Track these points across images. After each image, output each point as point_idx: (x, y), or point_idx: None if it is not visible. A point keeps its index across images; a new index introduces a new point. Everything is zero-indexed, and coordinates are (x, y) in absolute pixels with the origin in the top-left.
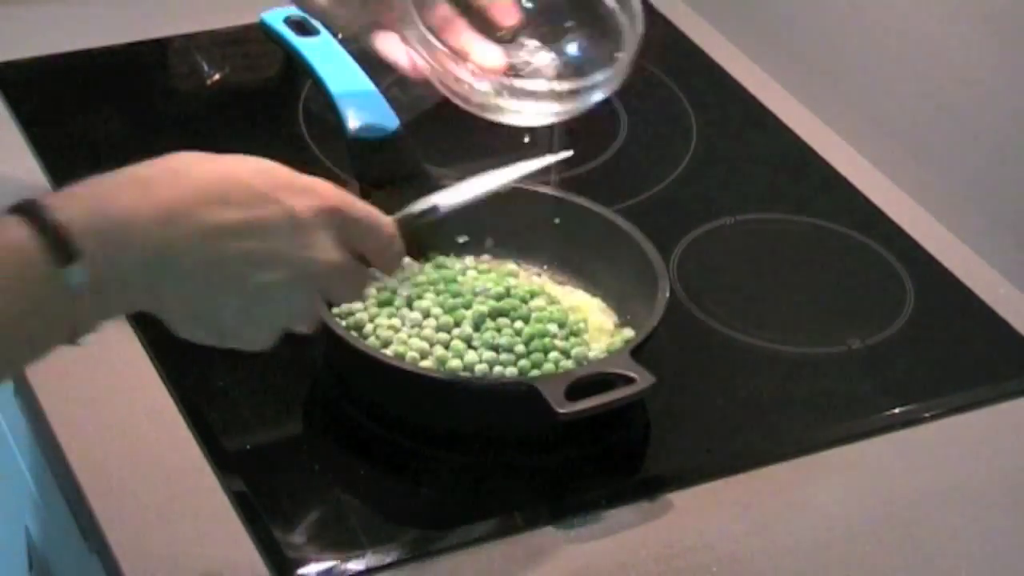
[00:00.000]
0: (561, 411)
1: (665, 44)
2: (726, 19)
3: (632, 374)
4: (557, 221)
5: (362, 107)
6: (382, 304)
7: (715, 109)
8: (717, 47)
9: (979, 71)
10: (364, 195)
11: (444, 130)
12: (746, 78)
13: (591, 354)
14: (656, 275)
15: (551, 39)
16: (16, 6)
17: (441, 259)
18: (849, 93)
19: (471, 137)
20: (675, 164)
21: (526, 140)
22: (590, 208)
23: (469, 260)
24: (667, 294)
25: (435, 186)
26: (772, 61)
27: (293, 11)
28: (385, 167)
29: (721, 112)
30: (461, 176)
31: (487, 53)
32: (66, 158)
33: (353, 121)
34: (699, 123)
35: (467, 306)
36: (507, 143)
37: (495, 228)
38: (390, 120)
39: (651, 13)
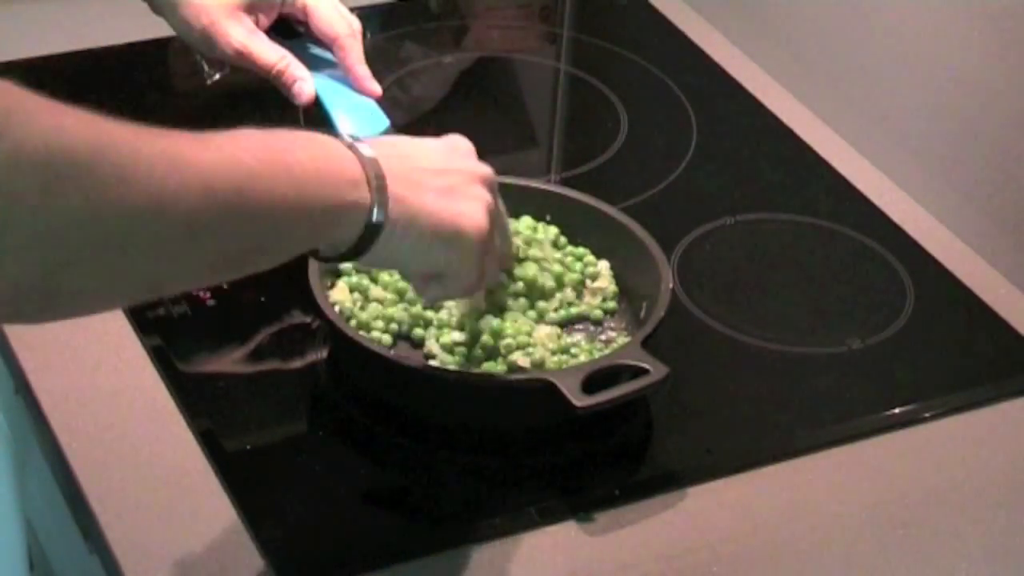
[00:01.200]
0: (579, 404)
1: (665, 44)
2: (726, 19)
3: (645, 365)
4: (548, 217)
5: (351, 109)
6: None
7: (715, 109)
8: (717, 47)
9: (979, 71)
10: None
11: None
12: (746, 78)
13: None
14: (659, 267)
15: None
16: (16, 6)
17: None
18: (849, 93)
19: (470, 137)
20: (675, 164)
21: None
22: (589, 204)
23: None
24: (671, 284)
25: None
26: (772, 61)
27: None
28: None
29: (721, 112)
30: None
31: None
32: None
33: (343, 123)
34: (699, 123)
35: None
36: (505, 144)
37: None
38: (380, 122)
39: (651, 13)
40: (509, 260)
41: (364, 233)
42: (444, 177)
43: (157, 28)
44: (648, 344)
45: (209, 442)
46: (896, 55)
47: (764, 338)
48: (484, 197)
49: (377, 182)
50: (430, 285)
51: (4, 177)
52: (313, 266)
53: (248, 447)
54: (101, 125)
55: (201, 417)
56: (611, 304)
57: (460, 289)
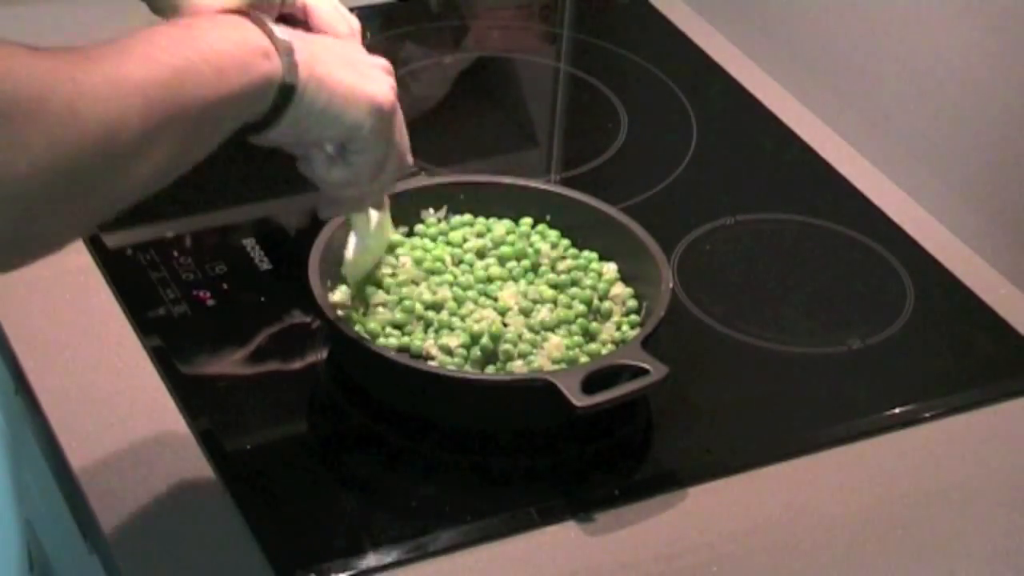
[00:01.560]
0: (579, 404)
1: (665, 44)
2: (726, 19)
3: (645, 365)
4: (549, 218)
5: None
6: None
7: (715, 109)
8: (717, 47)
9: (979, 71)
10: None
11: (443, 130)
12: (746, 78)
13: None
14: (659, 266)
15: None
16: (16, 6)
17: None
18: (849, 93)
19: (470, 137)
20: (675, 164)
21: None
22: (589, 204)
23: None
24: (671, 284)
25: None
26: (772, 61)
27: None
28: None
29: (721, 112)
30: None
31: None
32: None
33: None
34: (699, 123)
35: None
36: (505, 144)
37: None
38: None
39: (651, 13)
40: (406, 157)
41: (277, 98)
42: (347, 55)
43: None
44: (648, 344)
45: (209, 442)
46: (896, 55)
47: (764, 338)
48: (388, 79)
49: (285, 48)
50: (335, 166)
51: None
52: (313, 266)
53: (248, 447)
54: (44, 61)
55: (201, 417)
56: (635, 318)
57: (366, 167)
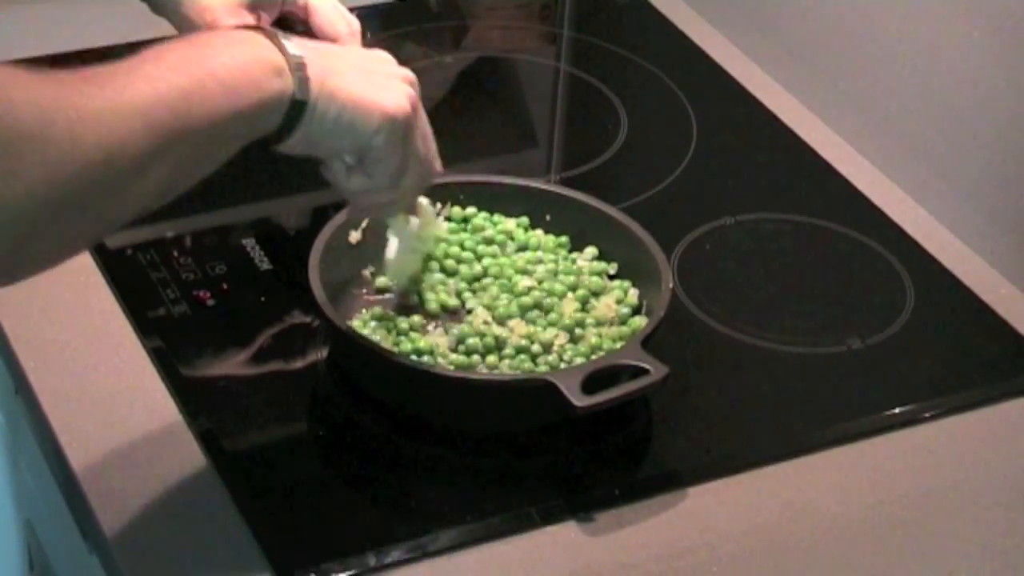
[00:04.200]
0: (579, 404)
1: (665, 44)
2: (726, 19)
3: (645, 365)
4: (548, 218)
5: None
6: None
7: (715, 109)
8: (717, 47)
9: (979, 71)
10: None
11: (443, 130)
12: (746, 78)
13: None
14: (659, 266)
15: None
16: (16, 6)
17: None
18: (849, 93)
19: (470, 137)
20: (675, 164)
21: None
22: (589, 204)
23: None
24: (671, 284)
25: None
26: (772, 61)
27: None
28: None
29: (721, 112)
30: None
31: None
32: None
33: None
34: (699, 123)
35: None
36: (505, 144)
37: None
38: None
39: (651, 13)
40: (435, 162)
41: (289, 114)
42: (365, 66)
43: (158, 28)
44: (648, 344)
45: (209, 442)
46: (896, 55)
47: (764, 338)
48: (405, 88)
49: (297, 64)
50: (353, 174)
51: None
52: (313, 266)
53: (248, 447)
54: (47, 89)
55: (201, 417)
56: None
57: (383, 176)
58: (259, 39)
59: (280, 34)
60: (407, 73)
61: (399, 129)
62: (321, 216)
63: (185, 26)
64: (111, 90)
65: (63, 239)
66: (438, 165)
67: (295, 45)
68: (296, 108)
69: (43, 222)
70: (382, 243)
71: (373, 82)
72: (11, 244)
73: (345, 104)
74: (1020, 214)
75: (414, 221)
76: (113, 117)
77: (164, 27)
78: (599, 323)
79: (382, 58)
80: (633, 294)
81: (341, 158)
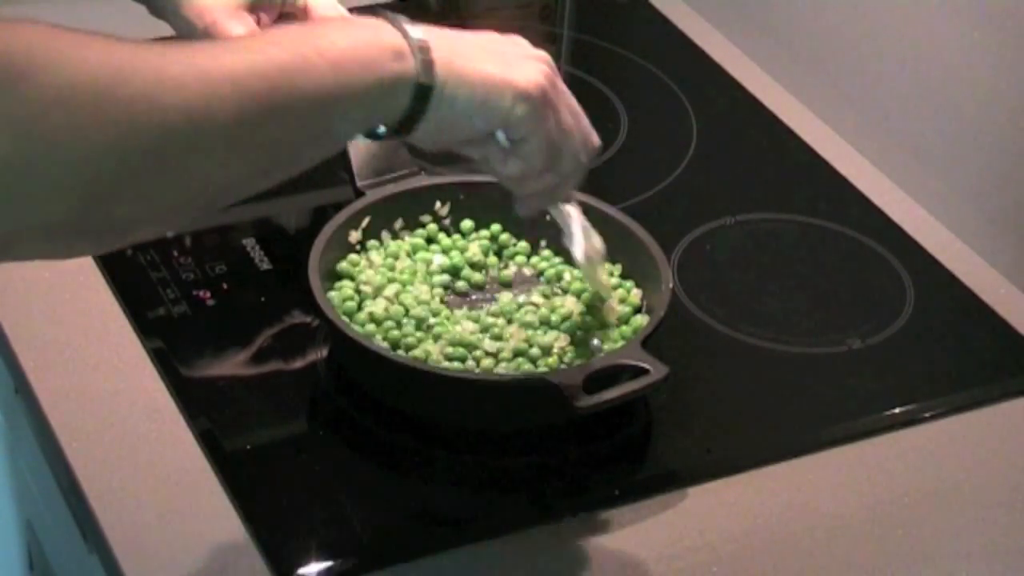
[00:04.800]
0: (579, 404)
1: (665, 44)
2: (726, 19)
3: (645, 365)
4: (548, 218)
5: None
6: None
7: (715, 109)
8: (717, 47)
9: (979, 71)
10: (358, 194)
11: None
12: (746, 78)
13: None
14: (659, 266)
15: None
16: (16, 6)
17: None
18: (849, 93)
19: None
20: (675, 164)
21: None
22: (589, 204)
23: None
24: (671, 284)
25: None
26: (772, 61)
27: None
28: (376, 165)
29: (721, 112)
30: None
31: None
32: None
33: None
34: (699, 123)
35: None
36: None
37: (503, 220)
38: None
39: (651, 13)
40: (590, 136)
41: (414, 99)
42: (495, 48)
43: (157, 30)
44: (648, 344)
45: (209, 442)
46: (896, 55)
47: (764, 338)
48: (539, 66)
49: (420, 46)
50: (509, 159)
51: (31, 119)
52: (313, 266)
53: (248, 447)
54: (124, 51)
55: (201, 417)
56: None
57: (535, 156)
58: (379, 23)
59: (404, 19)
60: (541, 53)
61: (536, 104)
62: (321, 216)
63: (184, 28)
64: (202, 57)
65: (146, 204)
66: (595, 138)
67: (420, 29)
68: (422, 93)
69: (119, 182)
70: None
71: (505, 61)
72: (87, 202)
73: (475, 84)
74: (1020, 214)
75: (574, 215)
76: (199, 83)
77: (163, 29)
78: (604, 325)
79: (514, 40)
80: (636, 294)
81: (495, 144)
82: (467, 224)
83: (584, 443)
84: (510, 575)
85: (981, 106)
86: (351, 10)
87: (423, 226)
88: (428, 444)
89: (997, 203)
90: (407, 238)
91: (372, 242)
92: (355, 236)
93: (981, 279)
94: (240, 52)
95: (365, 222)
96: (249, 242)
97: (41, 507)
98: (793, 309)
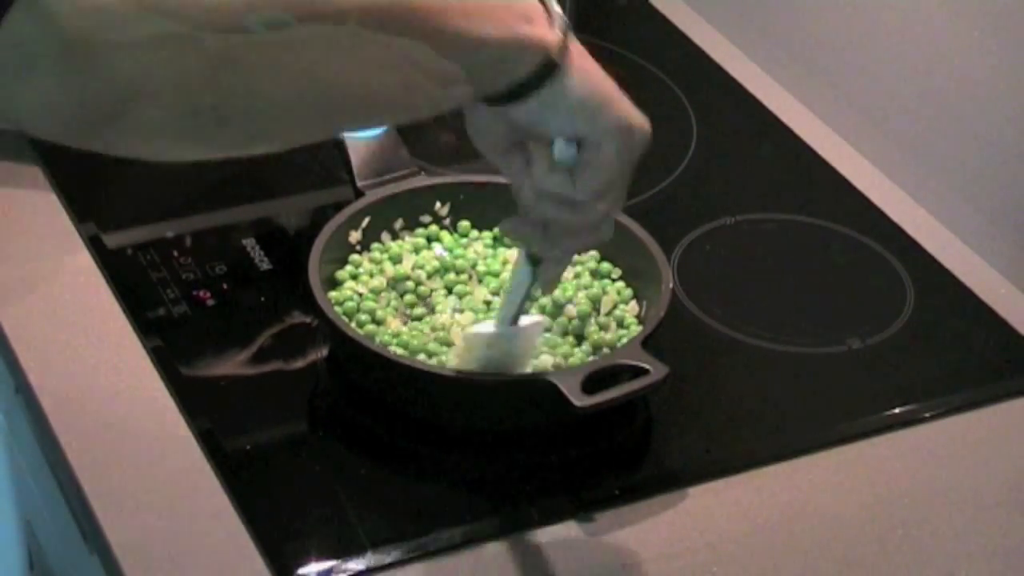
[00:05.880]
0: (579, 404)
1: (665, 44)
2: (726, 19)
3: (645, 365)
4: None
5: None
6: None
7: (715, 109)
8: (717, 47)
9: (979, 71)
10: (358, 194)
11: (443, 130)
12: (746, 78)
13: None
14: (659, 266)
15: None
16: None
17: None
18: (849, 93)
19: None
20: (675, 164)
21: None
22: None
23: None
24: (671, 284)
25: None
26: (772, 61)
27: None
28: (375, 166)
29: (721, 112)
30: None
31: None
32: (67, 158)
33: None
34: (699, 123)
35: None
36: None
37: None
38: None
39: (651, 13)
40: (619, 204)
41: (538, 70)
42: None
43: None
44: (648, 344)
45: (209, 442)
46: (896, 55)
47: (764, 338)
48: (646, 119)
49: (562, 24)
50: (556, 172)
51: (140, 28)
52: (313, 266)
53: (248, 447)
54: None
55: (201, 417)
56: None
57: (587, 186)
58: None
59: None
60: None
61: (635, 145)
62: (321, 216)
63: None
64: None
65: (171, 111)
66: (618, 211)
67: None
68: (547, 68)
69: (156, 80)
70: None
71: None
72: (114, 97)
73: (597, 89)
74: (1020, 214)
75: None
76: None
77: None
78: (603, 327)
79: None
80: (632, 307)
81: (555, 145)
82: (466, 224)
83: (584, 443)
84: (510, 575)
85: (981, 106)
86: None
87: (423, 226)
88: (428, 444)
89: (997, 203)
90: (407, 238)
91: (374, 244)
92: (355, 236)
93: (981, 279)
94: None
95: (365, 222)
96: (249, 242)
97: (41, 507)
98: (793, 309)
